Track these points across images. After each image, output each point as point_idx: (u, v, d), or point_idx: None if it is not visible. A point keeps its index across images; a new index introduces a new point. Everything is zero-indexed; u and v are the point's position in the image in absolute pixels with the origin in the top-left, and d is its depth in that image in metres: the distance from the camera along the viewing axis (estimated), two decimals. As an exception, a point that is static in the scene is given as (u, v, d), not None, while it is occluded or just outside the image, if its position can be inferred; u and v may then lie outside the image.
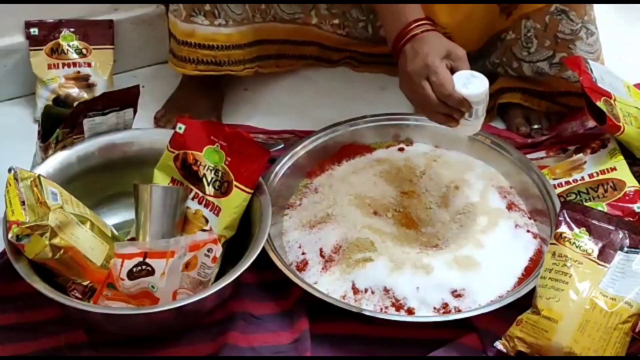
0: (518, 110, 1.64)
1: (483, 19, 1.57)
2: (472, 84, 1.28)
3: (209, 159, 1.30)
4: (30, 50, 1.66)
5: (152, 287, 1.16)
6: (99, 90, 1.64)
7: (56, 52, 1.66)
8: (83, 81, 1.65)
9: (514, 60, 1.60)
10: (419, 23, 1.33)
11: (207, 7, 1.53)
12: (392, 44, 1.35)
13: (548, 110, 1.63)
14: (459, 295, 1.27)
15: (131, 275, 1.15)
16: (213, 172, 1.30)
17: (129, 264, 1.15)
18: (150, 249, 1.17)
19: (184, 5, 1.54)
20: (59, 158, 1.33)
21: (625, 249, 1.21)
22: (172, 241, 1.19)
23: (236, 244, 1.28)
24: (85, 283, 1.20)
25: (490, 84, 1.64)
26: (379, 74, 1.74)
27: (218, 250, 1.20)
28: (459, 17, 1.55)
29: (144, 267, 1.15)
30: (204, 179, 1.30)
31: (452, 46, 1.32)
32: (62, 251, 1.17)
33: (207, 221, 1.29)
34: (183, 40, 1.56)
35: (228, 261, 1.25)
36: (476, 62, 1.67)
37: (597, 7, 1.58)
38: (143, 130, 1.49)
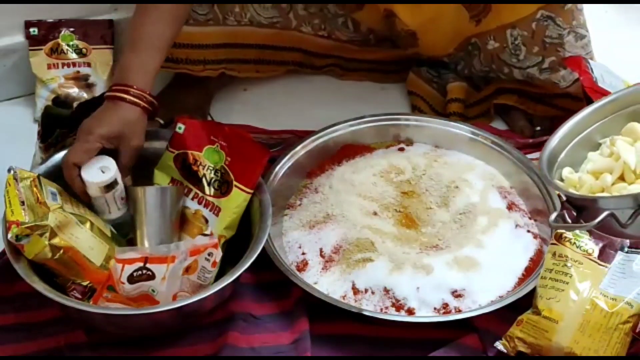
0: (520, 112, 1.63)
1: (451, 23, 1.56)
2: (100, 173, 1.23)
3: (208, 159, 1.30)
4: (30, 50, 1.66)
5: (153, 291, 1.16)
6: (98, 90, 1.63)
7: (56, 51, 1.66)
8: (82, 81, 1.65)
9: (504, 66, 1.59)
10: (119, 87, 1.26)
11: None
12: None
13: (545, 114, 1.62)
14: (459, 296, 1.26)
15: (132, 279, 1.15)
16: (213, 172, 1.30)
17: (129, 268, 1.15)
18: (151, 254, 1.17)
19: None
20: (59, 158, 1.33)
21: (626, 249, 1.21)
22: (173, 246, 1.18)
23: (236, 244, 1.28)
24: (84, 283, 1.20)
25: (487, 84, 1.66)
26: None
27: (218, 254, 1.20)
28: (422, 19, 1.54)
29: (144, 271, 1.15)
30: (203, 179, 1.30)
31: (125, 132, 1.25)
32: (61, 251, 1.17)
33: (207, 221, 1.29)
34: None
35: (228, 261, 1.25)
36: (462, 67, 1.67)
37: (597, 7, 1.58)
38: (143, 130, 1.49)
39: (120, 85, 1.27)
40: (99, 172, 1.24)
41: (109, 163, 1.24)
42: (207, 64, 1.61)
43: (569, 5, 1.51)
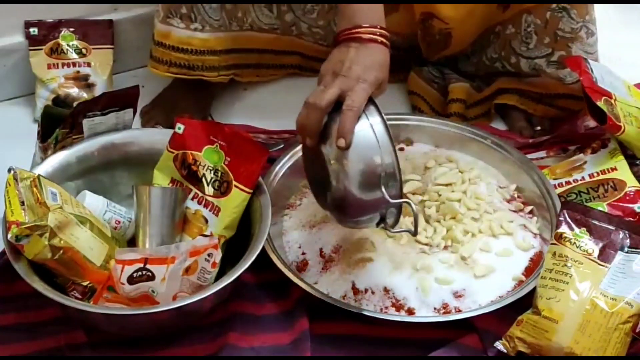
0: (519, 113, 1.63)
1: (482, 14, 1.57)
2: None
3: (208, 159, 1.30)
4: (30, 50, 1.66)
5: (153, 291, 1.16)
6: (98, 90, 1.64)
7: (56, 51, 1.66)
8: (82, 81, 1.65)
9: (513, 55, 1.59)
10: (369, 28, 1.18)
11: (184, 10, 1.53)
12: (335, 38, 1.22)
13: (545, 115, 1.62)
14: (459, 296, 1.26)
15: (131, 280, 1.15)
16: (212, 172, 1.30)
17: (129, 269, 1.15)
18: (151, 255, 1.17)
19: (162, 6, 1.54)
20: (59, 158, 1.33)
21: (626, 249, 1.21)
22: (173, 247, 1.18)
23: (236, 244, 1.28)
24: (84, 283, 1.20)
25: (488, 85, 1.66)
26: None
27: (218, 255, 1.20)
28: (462, 12, 1.54)
29: (144, 272, 1.15)
30: (203, 179, 1.30)
31: (384, 76, 1.19)
32: (61, 251, 1.17)
33: (206, 221, 1.29)
34: (159, 41, 1.57)
35: (228, 261, 1.25)
36: (472, 59, 1.68)
37: (597, 7, 1.58)
38: (143, 130, 1.50)
39: (369, 26, 1.17)
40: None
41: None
42: (221, 70, 1.61)
43: None
